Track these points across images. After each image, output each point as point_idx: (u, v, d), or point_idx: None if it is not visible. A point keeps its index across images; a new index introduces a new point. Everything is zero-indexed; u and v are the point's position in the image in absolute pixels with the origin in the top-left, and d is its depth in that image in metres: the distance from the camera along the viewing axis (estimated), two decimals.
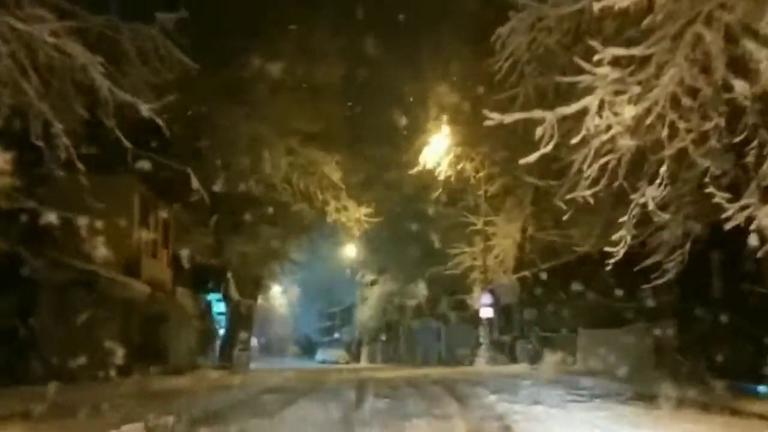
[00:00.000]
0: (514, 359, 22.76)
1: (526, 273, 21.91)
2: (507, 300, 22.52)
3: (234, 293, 25.12)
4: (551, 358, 20.05)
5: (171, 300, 22.15)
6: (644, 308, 14.88)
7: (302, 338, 65.92)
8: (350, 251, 42.93)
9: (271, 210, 24.71)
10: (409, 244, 31.99)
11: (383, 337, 46.39)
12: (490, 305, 23.07)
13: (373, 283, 43.47)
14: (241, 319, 29.00)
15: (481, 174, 23.25)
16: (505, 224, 23.41)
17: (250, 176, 21.38)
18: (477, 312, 25.59)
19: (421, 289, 34.12)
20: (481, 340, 25.28)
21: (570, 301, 19.86)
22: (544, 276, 21.34)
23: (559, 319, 20.65)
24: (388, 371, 23.63)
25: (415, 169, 23.66)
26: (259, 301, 37.11)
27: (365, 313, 44.95)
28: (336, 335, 57.43)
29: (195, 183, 18.60)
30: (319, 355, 51.00)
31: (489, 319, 23.71)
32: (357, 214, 25.11)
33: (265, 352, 69.68)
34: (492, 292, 23.02)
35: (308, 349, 60.45)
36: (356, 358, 49.05)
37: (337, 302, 57.25)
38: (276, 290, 64.75)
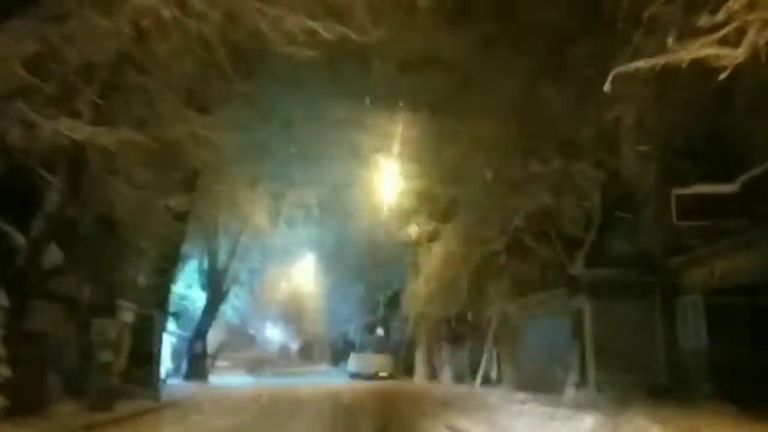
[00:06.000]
0: None
1: None
2: None
3: None
4: None
5: None
6: None
7: (339, 339, 47.04)
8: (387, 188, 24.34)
9: None
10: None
11: (452, 334, 26.43)
12: None
13: (431, 238, 24.25)
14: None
15: None
16: None
17: None
18: None
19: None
20: None
21: None
22: None
23: None
24: None
25: None
26: None
27: (420, 293, 25.07)
28: (380, 332, 37.90)
29: None
30: (351, 364, 32.30)
31: None
32: None
33: (305, 358, 55.57)
34: None
35: (343, 354, 41.55)
36: (407, 370, 29.72)
37: (385, 285, 37.35)
38: (307, 274, 48.40)
